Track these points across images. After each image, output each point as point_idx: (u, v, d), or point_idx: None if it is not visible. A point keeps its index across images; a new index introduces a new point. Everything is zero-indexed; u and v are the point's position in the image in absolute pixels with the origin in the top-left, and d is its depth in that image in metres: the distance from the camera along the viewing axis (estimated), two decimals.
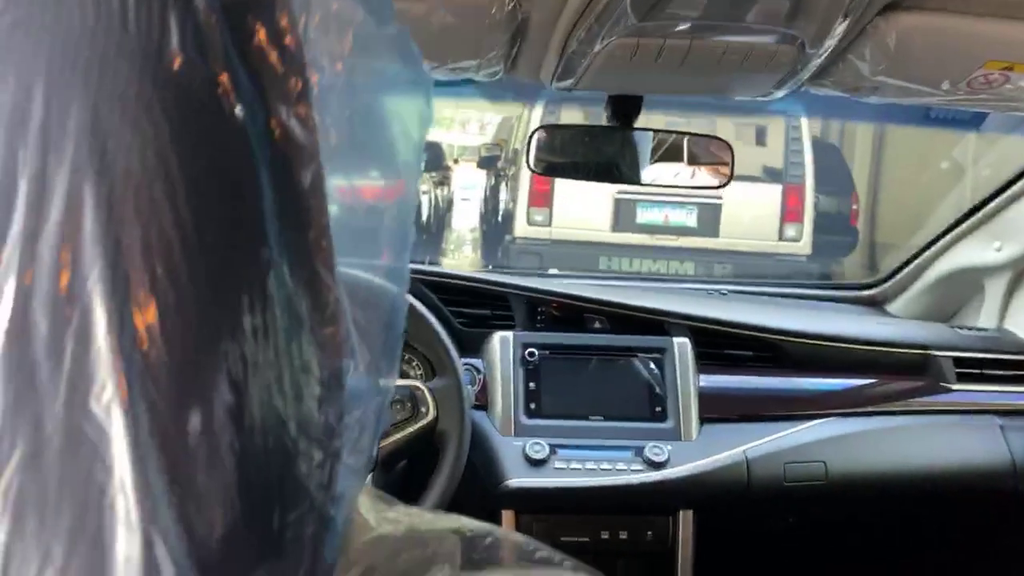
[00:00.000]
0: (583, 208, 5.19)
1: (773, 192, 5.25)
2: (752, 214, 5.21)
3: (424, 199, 6.62)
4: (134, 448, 0.24)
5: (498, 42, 0.95)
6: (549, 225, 5.22)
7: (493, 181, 7.22)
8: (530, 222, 5.23)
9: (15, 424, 0.24)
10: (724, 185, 1.25)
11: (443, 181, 7.84)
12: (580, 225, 5.20)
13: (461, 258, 7.88)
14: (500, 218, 6.35)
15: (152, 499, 0.25)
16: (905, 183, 6.15)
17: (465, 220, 8.42)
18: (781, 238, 5.14)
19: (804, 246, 5.17)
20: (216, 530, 0.26)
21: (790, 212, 5.12)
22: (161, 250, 0.26)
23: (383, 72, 0.32)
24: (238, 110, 0.28)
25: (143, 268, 0.25)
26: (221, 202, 0.28)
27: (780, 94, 1.06)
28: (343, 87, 0.30)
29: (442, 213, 7.65)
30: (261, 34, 0.29)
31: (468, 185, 8.73)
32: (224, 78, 0.28)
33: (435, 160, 7.49)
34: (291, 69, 0.30)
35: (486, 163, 7.53)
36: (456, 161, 9.63)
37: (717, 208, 5.15)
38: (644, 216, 5.15)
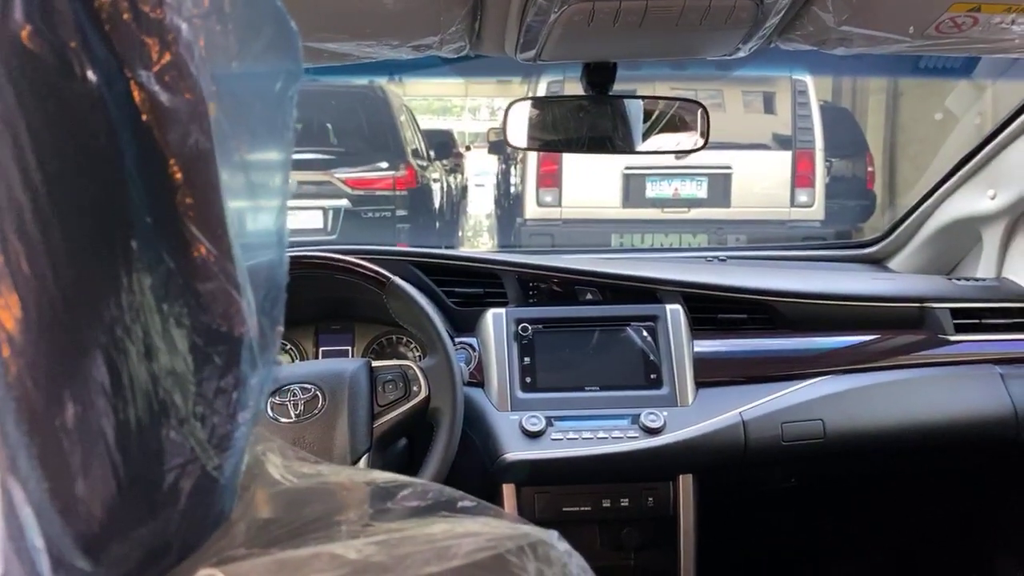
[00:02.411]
0: (592, 186, 5.18)
1: (783, 159, 5.21)
2: (763, 182, 5.18)
3: (436, 187, 6.61)
4: None
5: (457, 17, 0.96)
6: (559, 205, 5.22)
7: (504, 165, 7.20)
8: (540, 203, 5.24)
9: None
10: (701, 148, 1.25)
11: (455, 169, 7.83)
12: (590, 203, 5.19)
13: (479, 244, 7.89)
14: (513, 202, 6.36)
15: (10, 449, 0.26)
16: (925, 141, 6.06)
17: (481, 206, 8.43)
18: (793, 204, 5.11)
19: (817, 211, 5.13)
20: (85, 476, 0.27)
21: (801, 177, 5.08)
22: (11, 210, 0.27)
23: (247, 30, 0.32)
24: (91, 75, 0.29)
25: None
26: (76, 166, 0.28)
27: (747, 51, 1.05)
28: (203, 47, 0.31)
29: (456, 200, 7.65)
30: (113, 1, 0.29)
31: (481, 171, 8.73)
32: (74, 45, 0.28)
33: (445, 148, 7.48)
34: (148, 33, 0.30)
35: (497, 148, 7.51)
36: (468, 148, 9.62)
37: (727, 178, 5.12)
38: (654, 190, 5.13)
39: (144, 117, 0.30)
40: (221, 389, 0.32)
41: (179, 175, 0.31)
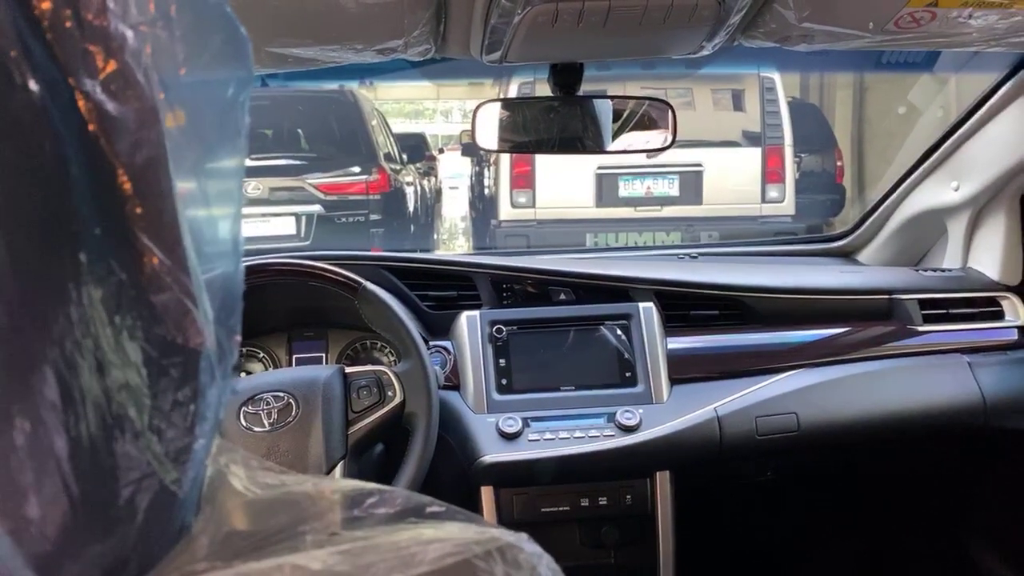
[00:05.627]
0: (566, 186, 5.20)
1: (753, 155, 5.26)
2: (734, 179, 5.22)
3: (409, 191, 6.60)
4: None
5: (421, 19, 0.95)
6: (533, 206, 5.23)
7: (478, 167, 7.20)
8: (514, 204, 5.24)
9: None
10: (670, 146, 1.25)
11: (429, 172, 7.81)
12: (564, 203, 5.21)
13: (455, 247, 7.88)
14: (488, 204, 6.36)
15: None
16: (893, 135, 6.13)
17: (455, 209, 8.41)
18: (764, 200, 5.16)
19: (787, 206, 5.18)
20: (36, 495, 0.27)
21: (771, 173, 5.13)
22: None
23: (195, 36, 0.32)
24: (33, 85, 0.28)
25: None
26: (19, 177, 0.28)
27: (711, 49, 1.06)
28: (150, 55, 0.30)
29: (431, 203, 7.63)
30: (54, 8, 0.29)
31: (455, 174, 8.72)
32: (14, 54, 0.28)
33: (418, 151, 7.46)
34: (92, 41, 0.30)
35: (470, 150, 7.50)
36: (441, 151, 9.60)
37: (699, 175, 5.16)
38: (626, 189, 5.16)
39: (91, 127, 0.29)
40: (178, 401, 0.31)
41: (128, 185, 0.30)
